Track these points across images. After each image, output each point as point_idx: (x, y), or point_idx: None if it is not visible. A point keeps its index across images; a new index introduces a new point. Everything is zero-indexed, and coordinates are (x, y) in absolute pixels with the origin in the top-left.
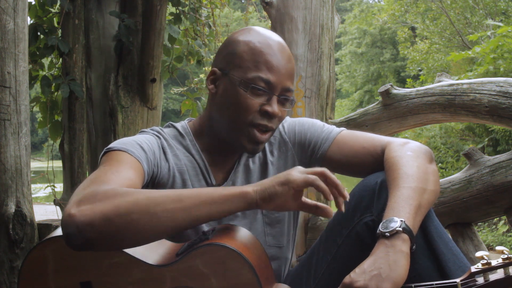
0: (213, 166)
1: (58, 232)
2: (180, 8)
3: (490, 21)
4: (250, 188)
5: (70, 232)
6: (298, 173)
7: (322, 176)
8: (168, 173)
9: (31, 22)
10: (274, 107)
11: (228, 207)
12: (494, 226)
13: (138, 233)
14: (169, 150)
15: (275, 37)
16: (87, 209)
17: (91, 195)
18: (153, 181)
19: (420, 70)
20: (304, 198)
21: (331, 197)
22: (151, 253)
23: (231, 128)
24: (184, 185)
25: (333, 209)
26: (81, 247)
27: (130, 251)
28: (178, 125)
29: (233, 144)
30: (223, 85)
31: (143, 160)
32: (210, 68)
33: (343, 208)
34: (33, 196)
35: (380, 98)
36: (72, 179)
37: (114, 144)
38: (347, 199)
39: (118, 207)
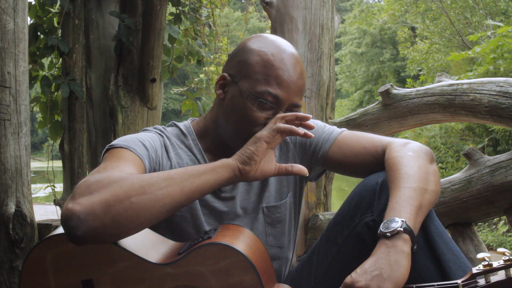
0: None
1: (59, 231)
2: (180, 8)
3: (490, 21)
4: (230, 158)
5: (72, 225)
6: (263, 130)
7: (282, 120)
8: None
9: (31, 22)
10: None
11: (215, 177)
12: (494, 226)
13: (139, 215)
14: (172, 149)
15: (290, 49)
16: (85, 199)
17: (86, 187)
18: None
19: (420, 70)
20: (279, 164)
21: (301, 130)
22: (152, 251)
23: (236, 135)
24: None
25: (333, 209)
26: (84, 238)
27: (131, 248)
28: (181, 124)
29: (236, 149)
30: (231, 93)
31: (145, 157)
32: (210, 68)
33: (311, 126)
34: (33, 196)
35: (380, 98)
36: (72, 179)
37: (116, 141)
38: (310, 117)
39: (116, 193)
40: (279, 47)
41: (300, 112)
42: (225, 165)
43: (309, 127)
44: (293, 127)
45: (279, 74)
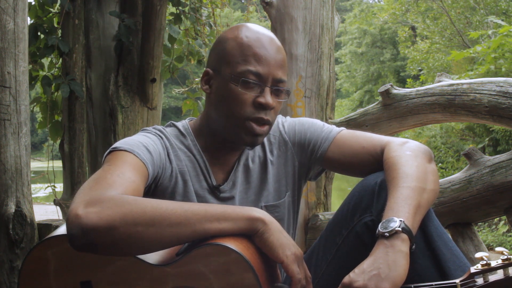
0: (213, 166)
1: (59, 231)
2: (180, 8)
3: (492, 18)
4: (261, 215)
5: (74, 233)
6: (298, 267)
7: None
8: (171, 174)
9: (31, 22)
10: (268, 98)
11: (233, 227)
12: (494, 226)
13: (140, 244)
14: (171, 151)
15: (263, 30)
16: (94, 212)
17: (99, 199)
18: (156, 183)
19: (420, 70)
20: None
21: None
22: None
23: (229, 124)
24: (185, 186)
25: (333, 209)
26: (83, 248)
27: None
28: (179, 124)
29: (232, 140)
30: (216, 83)
31: (149, 162)
32: None
33: None
34: (33, 196)
35: (380, 98)
36: (72, 179)
37: (120, 144)
38: None
39: (125, 217)
40: (252, 30)
41: (287, 88)
42: (251, 219)
43: None
44: None
45: (256, 51)
